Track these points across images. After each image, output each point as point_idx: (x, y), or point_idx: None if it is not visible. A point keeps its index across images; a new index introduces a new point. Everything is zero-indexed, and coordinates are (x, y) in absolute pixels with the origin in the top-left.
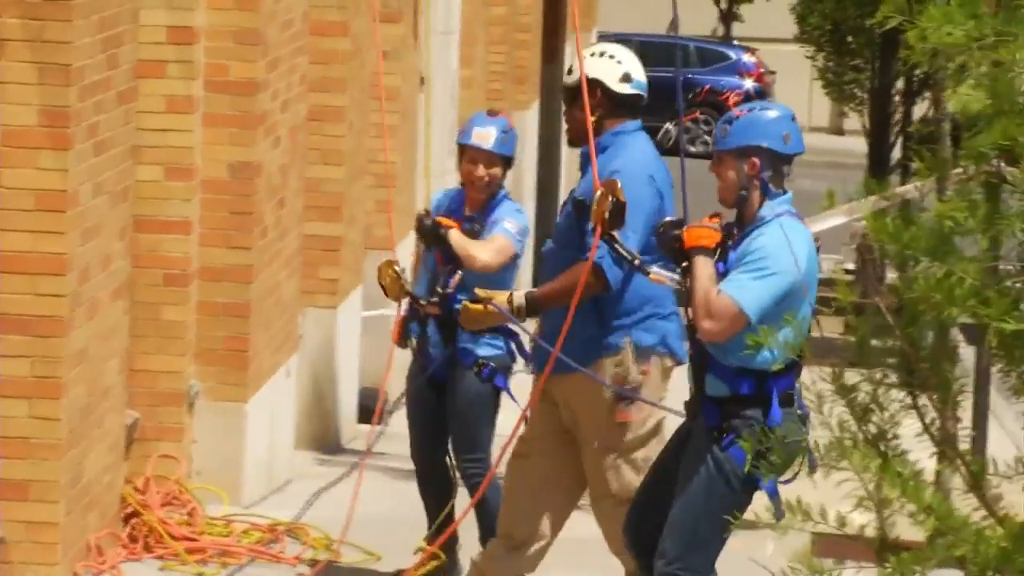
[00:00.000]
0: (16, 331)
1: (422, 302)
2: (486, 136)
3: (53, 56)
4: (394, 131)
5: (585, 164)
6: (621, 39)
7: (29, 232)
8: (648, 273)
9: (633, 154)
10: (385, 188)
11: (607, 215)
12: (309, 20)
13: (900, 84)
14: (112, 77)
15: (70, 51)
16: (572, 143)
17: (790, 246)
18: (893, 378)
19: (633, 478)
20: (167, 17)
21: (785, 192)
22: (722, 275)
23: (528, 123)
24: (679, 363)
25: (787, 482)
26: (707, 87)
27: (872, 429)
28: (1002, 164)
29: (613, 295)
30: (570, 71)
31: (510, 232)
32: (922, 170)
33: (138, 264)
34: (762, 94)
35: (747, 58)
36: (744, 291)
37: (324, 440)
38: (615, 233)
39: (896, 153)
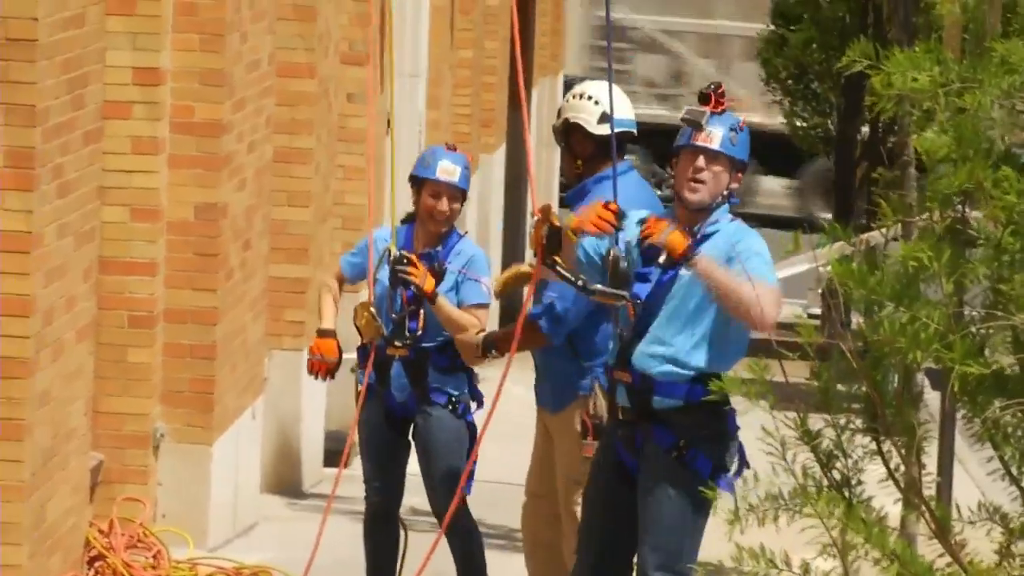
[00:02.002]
0: None
1: (396, 343)
2: (452, 171)
3: (17, 97)
4: (360, 173)
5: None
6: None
7: None
8: (593, 292)
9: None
10: (351, 230)
11: (544, 241)
12: (276, 62)
13: (865, 130)
14: (77, 118)
15: (34, 92)
16: (565, 187)
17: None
18: (858, 423)
19: (578, 511)
20: (133, 58)
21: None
22: (667, 282)
23: (495, 166)
24: None
25: (737, 475)
26: None
27: (836, 475)
28: (966, 209)
29: (585, 337)
30: (559, 114)
31: (485, 296)
32: (887, 215)
33: (103, 305)
34: None
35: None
36: (771, 274)
37: (289, 483)
38: (556, 257)
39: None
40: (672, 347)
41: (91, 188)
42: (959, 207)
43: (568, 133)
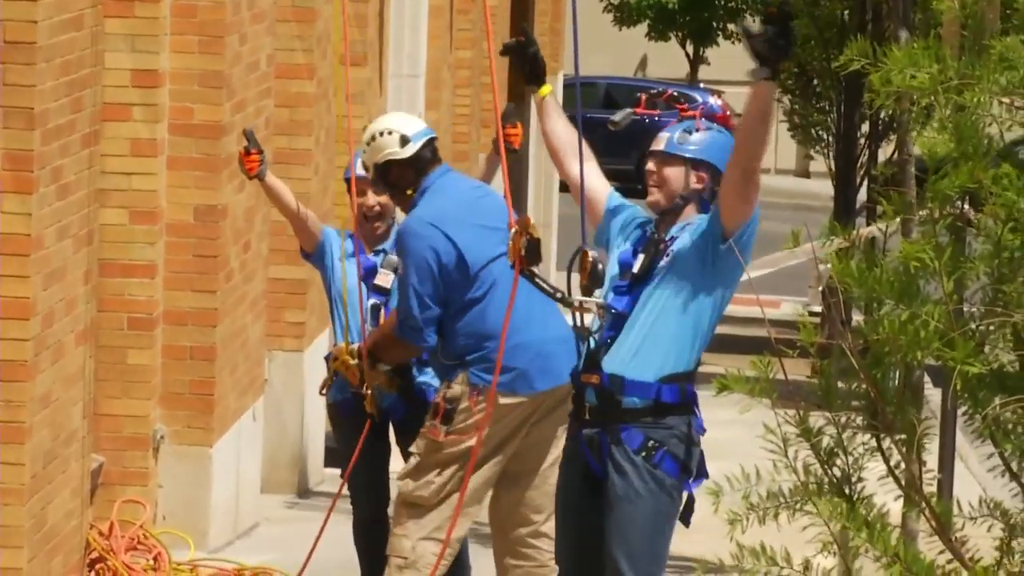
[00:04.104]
0: None
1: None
2: None
3: (17, 99)
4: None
5: None
6: (588, 83)
7: None
8: (572, 304)
9: (418, 210)
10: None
11: (523, 252)
12: (275, 63)
13: (865, 127)
14: (76, 120)
15: (33, 94)
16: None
17: None
18: (858, 421)
19: (414, 487)
20: (132, 60)
21: None
22: (640, 289)
23: None
24: (528, 396)
25: (696, 483)
26: None
27: (837, 473)
28: (967, 207)
29: (449, 336)
30: (365, 168)
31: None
32: (888, 212)
33: (103, 308)
34: None
35: (713, 101)
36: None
37: (290, 484)
38: (534, 268)
39: (862, 195)
40: (644, 349)
41: (90, 190)
42: (958, 204)
43: (386, 174)
